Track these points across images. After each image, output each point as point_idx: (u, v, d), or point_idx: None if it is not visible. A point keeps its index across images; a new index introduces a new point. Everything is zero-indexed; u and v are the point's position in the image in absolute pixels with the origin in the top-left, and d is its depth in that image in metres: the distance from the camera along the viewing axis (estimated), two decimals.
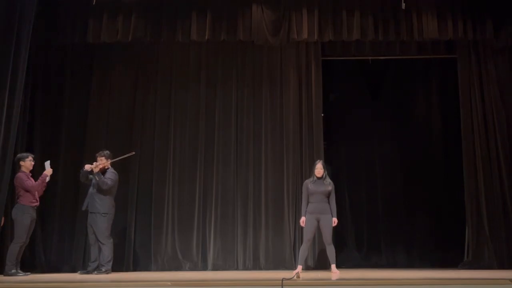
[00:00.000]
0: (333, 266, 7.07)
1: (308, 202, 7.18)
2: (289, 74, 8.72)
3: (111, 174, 7.47)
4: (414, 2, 8.15)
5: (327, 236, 7.08)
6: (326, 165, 7.52)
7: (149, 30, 8.25)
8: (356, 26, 8.19)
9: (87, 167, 7.41)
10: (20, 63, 7.33)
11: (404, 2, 7.91)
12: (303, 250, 7.12)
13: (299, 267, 7.00)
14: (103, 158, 7.44)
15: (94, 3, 7.93)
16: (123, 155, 7.74)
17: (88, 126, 8.58)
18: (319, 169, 7.22)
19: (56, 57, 8.62)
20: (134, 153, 7.96)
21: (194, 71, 8.84)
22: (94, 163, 7.40)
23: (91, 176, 7.46)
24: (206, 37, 8.24)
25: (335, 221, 7.13)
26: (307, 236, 7.11)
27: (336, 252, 7.18)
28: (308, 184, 7.22)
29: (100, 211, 7.30)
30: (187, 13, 8.26)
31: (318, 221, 7.09)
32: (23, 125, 7.78)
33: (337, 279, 5.96)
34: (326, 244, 7.15)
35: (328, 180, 7.23)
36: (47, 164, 7.26)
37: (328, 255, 7.16)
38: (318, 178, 7.20)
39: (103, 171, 7.45)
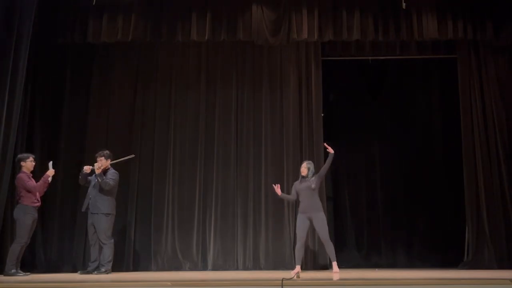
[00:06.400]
0: (335, 264, 7.00)
1: (293, 195, 7.31)
2: (289, 74, 8.72)
3: (112, 174, 7.46)
4: (414, 2, 8.15)
5: (323, 234, 7.08)
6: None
7: (149, 30, 8.27)
8: (356, 26, 8.19)
9: (86, 168, 7.40)
10: (20, 63, 7.34)
11: (404, 2, 7.92)
12: (298, 249, 7.12)
13: (298, 267, 7.00)
14: (102, 158, 7.41)
15: (94, 3, 7.94)
16: (123, 156, 7.72)
17: (88, 126, 8.59)
18: (303, 167, 7.28)
19: (56, 57, 8.61)
20: (134, 155, 7.94)
21: (194, 71, 8.85)
22: (96, 164, 7.39)
23: (90, 178, 7.46)
24: (206, 37, 8.25)
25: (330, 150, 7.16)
26: (300, 234, 7.12)
27: (336, 252, 7.16)
28: (295, 183, 7.34)
29: (103, 212, 7.28)
30: (187, 13, 8.27)
31: (311, 221, 7.11)
32: (23, 125, 7.77)
33: (337, 279, 5.95)
34: (324, 242, 7.15)
35: (313, 178, 7.22)
36: (50, 164, 7.25)
37: (328, 252, 7.16)
38: (303, 177, 7.24)
39: (104, 171, 7.43)
